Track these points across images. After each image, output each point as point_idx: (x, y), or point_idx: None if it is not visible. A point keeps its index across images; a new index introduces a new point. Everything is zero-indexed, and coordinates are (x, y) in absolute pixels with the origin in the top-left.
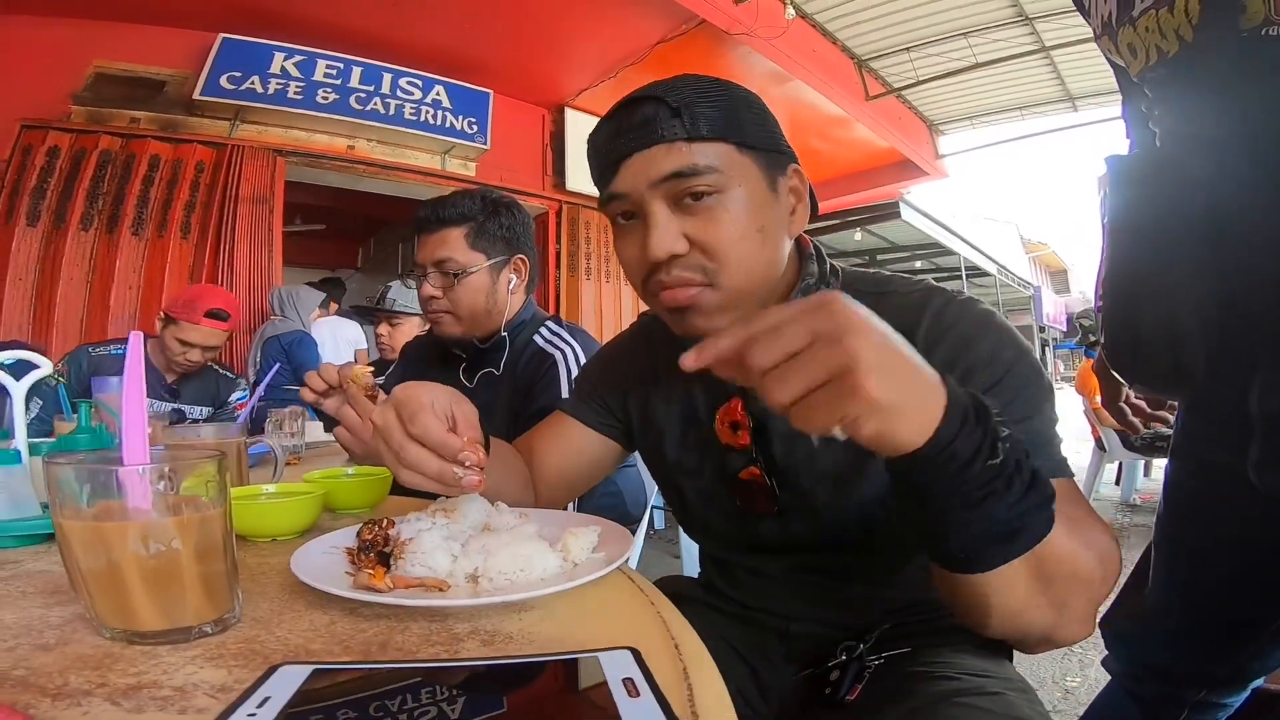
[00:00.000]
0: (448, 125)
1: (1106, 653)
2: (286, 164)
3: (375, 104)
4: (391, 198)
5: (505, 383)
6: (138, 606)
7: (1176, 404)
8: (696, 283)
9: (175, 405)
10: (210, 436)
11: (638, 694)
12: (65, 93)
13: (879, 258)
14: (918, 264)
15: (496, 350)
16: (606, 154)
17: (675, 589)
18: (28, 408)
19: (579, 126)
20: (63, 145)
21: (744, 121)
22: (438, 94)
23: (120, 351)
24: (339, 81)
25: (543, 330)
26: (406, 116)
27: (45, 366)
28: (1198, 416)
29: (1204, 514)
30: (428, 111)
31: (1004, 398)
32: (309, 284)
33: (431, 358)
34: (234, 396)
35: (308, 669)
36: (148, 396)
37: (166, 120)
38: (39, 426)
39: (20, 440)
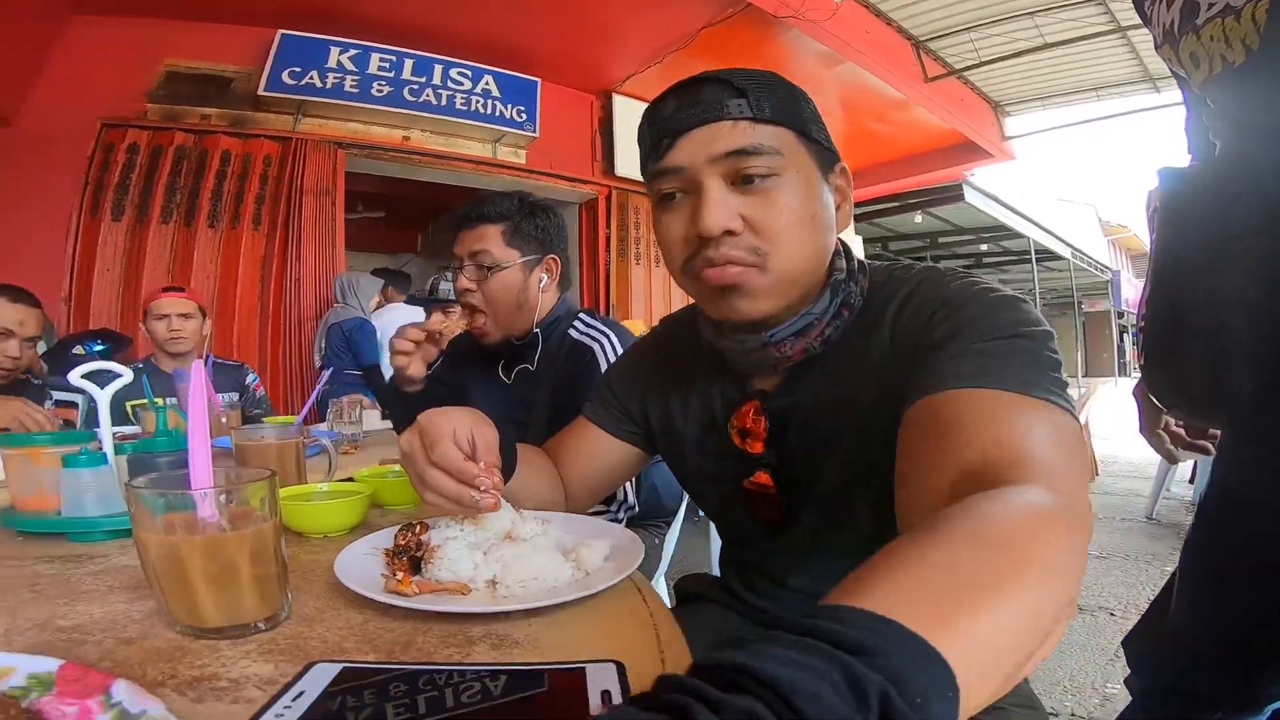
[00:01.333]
0: (497, 114)
1: (1129, 672)
2: (346, 156)
3: (428, 95)
4: (447, 186)
5: (544, 378)
6: (202, 606)
7: (1219, 431)
8: (746, 262)
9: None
10: (272, 437)
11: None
12: (140, 91)
13: (940, 240)
14: (983, 246)
15: (531, 347)
16: (666, 126)
17: (696, 589)
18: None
19: (626, 112)
20: (141, 142)
21: (804, 112)
22: (487, 83)
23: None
24: (392, 74)
25: (576, 324)
26: (458, 106)
27: (127, 375)
28: (1240, 442)
29: (1235, 544)
30: (478, 101)
31: (960, 330)
32: (373, 271)
33: (473, 354)
34: (249, 379)
35: (338, 667)
36: (212, 375)
37: (235, 116)
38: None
39: (107, 443)
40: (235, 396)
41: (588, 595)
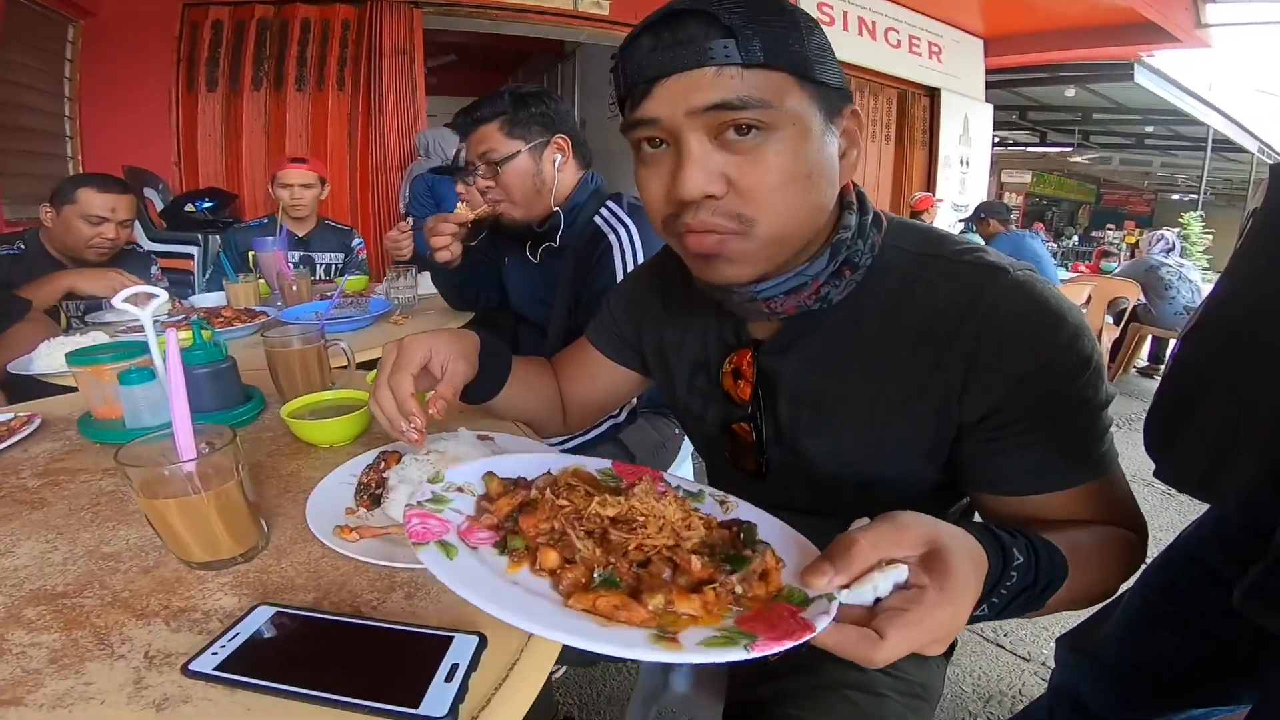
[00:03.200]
0: None
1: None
2: (423, 15)
3: None
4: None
5: (566, 260)
6: (189, 545)
7: None
8: (727, 229)
9: (305, 253)
10: (296, 338)
11: (451, 680)
12: None
13: (1096, 117)
14: (1149, 129)
15: (555, 227)
16: (640, 70)
17: None
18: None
19: None
20: (223, 18)
21: (807, 50)
22: None
23: (258, 223)
24: None
25: (603, 210)
26: None
27: (163, 296)
28: (1212, 515)
29: (1180, 596)
30: None
31: (1040, 395)
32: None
33: (509, 234)
34: (355, 243)
35: (273, 610)
36: (287, 250)
37: None
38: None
39: (156, 358)
40: (340, 257)
41: None
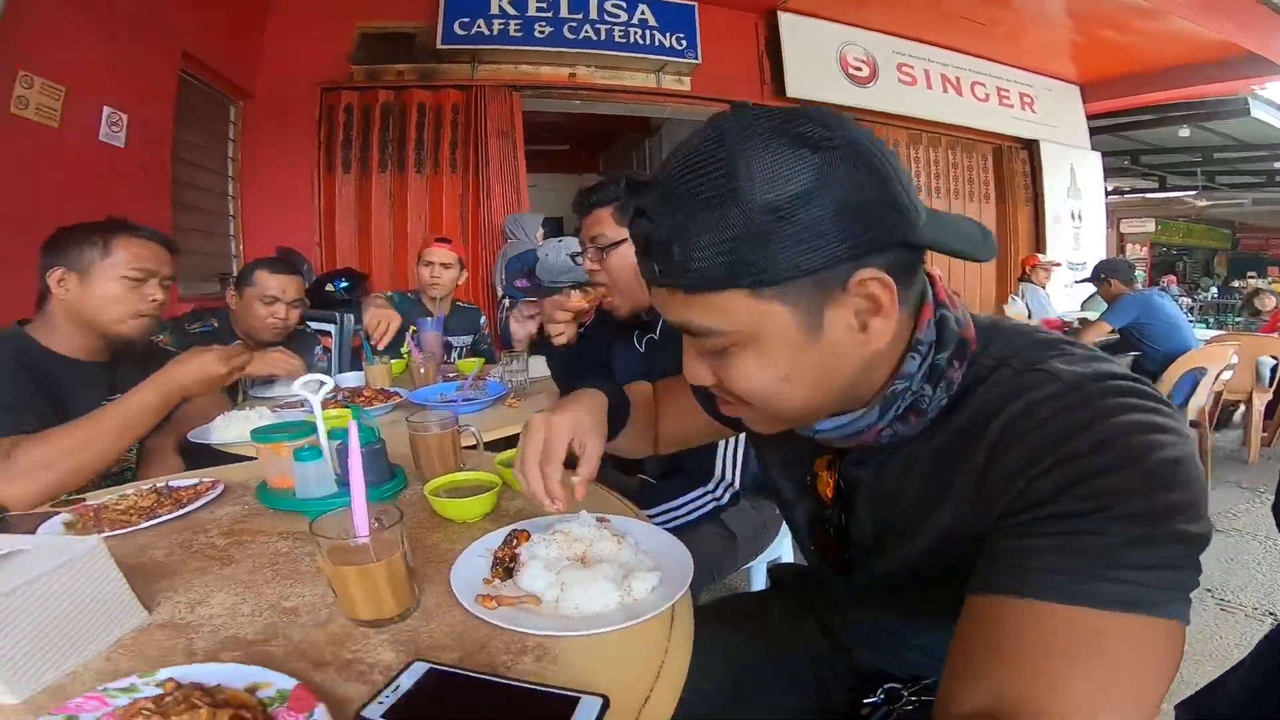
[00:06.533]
0: (656, 44)
1: None
2: (521, 98)
3: (587, 31)
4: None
5: (670, 349)
6: (358, 605)
7: None
8: (739, 403)
9: (445, 338)
10: (435, 424)
11: None
12: (343, 55)
13: (1217, 156)
14: (1277, 165)
15: (658, 319)
16: None
17: (783, 578)
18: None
19: (795, 30)
20: (353, 102)
21: (767, 246)
22: (643, 13)
23: (399, 296)
24: (550, 13)
25: None
26: (617, 40)
27: (330, 383)
28: None
29: None
30: (636, 32)
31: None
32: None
33: (615, 323)
34: (481, 321)
35: (426, 667)
36: (441, 331)
37: (422, 70)
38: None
39: (322, 439)
40: (469, 339)
41: (613, 629)
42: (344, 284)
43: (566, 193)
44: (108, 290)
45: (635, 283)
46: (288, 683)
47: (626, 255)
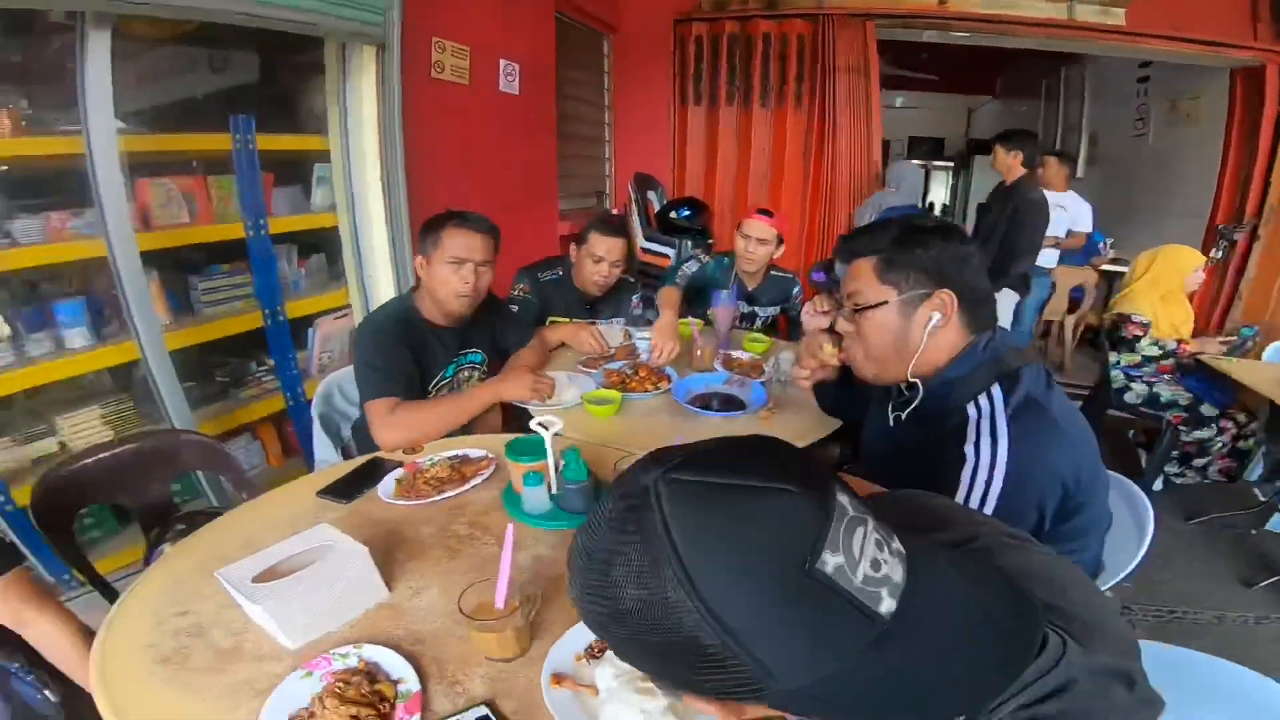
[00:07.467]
0: None
1: None
2: (875, 27)
3: None
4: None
5: (919, 435)
6: (485, 648)
7: None
8: None
9: (750, 307)
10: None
11: None
12: None
13: None
14: None
15: (915, 394)
16: None
17: None
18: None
19: None
20: (702, 34)
21: None
22: None
23: (717, 264)
24: None
25: (982, 399)
26: None
27: (559, 424)
28: None
29: None
30: None
31: None
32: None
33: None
34: (795, 291)
35: (483, 712)
36: (736, 304)
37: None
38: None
39: (550, 469)
40: (775, 311)
41: None
42: (685, 212)
43: (948, 112)
44: (438, 273)
45: (889, 350)
46: (416, 686)
47: (882, 318)
